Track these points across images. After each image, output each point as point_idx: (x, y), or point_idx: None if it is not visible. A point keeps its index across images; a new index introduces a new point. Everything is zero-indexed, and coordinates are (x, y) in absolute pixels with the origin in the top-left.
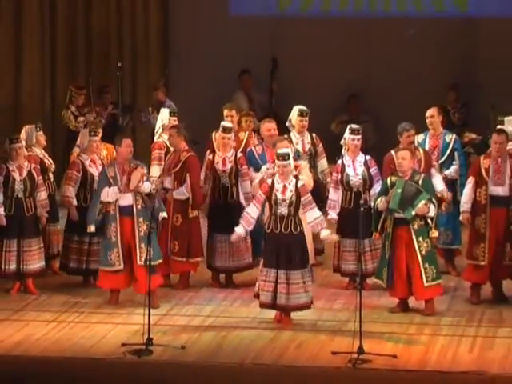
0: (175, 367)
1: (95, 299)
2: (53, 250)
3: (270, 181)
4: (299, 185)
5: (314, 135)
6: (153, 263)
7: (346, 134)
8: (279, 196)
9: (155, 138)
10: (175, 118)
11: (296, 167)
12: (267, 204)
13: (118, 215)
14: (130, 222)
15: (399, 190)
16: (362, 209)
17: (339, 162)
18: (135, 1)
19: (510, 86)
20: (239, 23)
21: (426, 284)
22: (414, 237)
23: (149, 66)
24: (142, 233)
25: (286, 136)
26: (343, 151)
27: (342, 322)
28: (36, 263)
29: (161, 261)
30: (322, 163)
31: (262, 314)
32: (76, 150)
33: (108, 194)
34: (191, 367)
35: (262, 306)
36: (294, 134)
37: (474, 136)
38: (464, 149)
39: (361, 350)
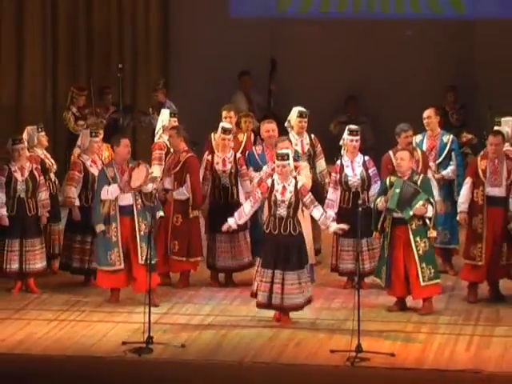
0: (175, 365)
1: (96, 298)
2: (54, 250)
3: (269, 181)
4: (299, 186)
5: (312, 136)
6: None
7: (345, 135)
8: (279, 197)
9: (155, 139)
10: (175, 119)
11: (296, 168)
12: (266, 204)
13: (118, 215)
14: (130, 222)
15: (397, 190)
16: (360, 209)
17: (338, 162)
18: (136, 2)
19: (507, 87)
20: (239, 24)
21: (422, 284)
22: (411, 236)
23: (149, 67)
24: (142, 232)
25: (286, 137)
26: (342, 152)
27: (340, 320)
28: (38, 263)
29: (156, 259)
30: (321, 164)
31: (261, 313)
32: (77, 151)
33: (108, 192)
34: (191, 365)
35: (259, 305)
36: (292, 135)
37: (470, 136)
38: (461, 149)
39: (359, 349)
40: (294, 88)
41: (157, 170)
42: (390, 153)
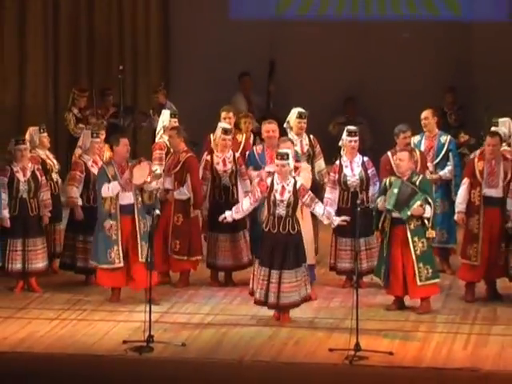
0: (176, 364)
1: (97, 297)
2: (55, 250)
3: (269, 180)
4: (298, 185)
5: (311, 136)
6: (146, 259)
7: (344, 136)
8: (278, 197)
9: (156, 139)
10: (176, 120)
11: (296, 168)
12: (266, 204)
13: (118, 213)
14: (131, 221)
15: (395, 191)
16: (358, 209)
17: (337, 162)
18: (136, 4)
19: (504, 89)
20: (238, 26)
21: (419, 283)
22: (409, 236)
23: (149, 68)
24: (142, 231)
25: (288, 137)
26: (342, 152)
27: (339, 319)
28: (40, 262)
29: (154, 258)
30: (320, 164)
31: (260, 312)
32: (78, 151)
33: (109, 189)
34: (191, 364)
35: (256, 303)
36: (292, 136)
37: (468, 137)
38: (459, 150)
39: (357, 347)
40: (293, 89)
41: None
42: (389, 153)
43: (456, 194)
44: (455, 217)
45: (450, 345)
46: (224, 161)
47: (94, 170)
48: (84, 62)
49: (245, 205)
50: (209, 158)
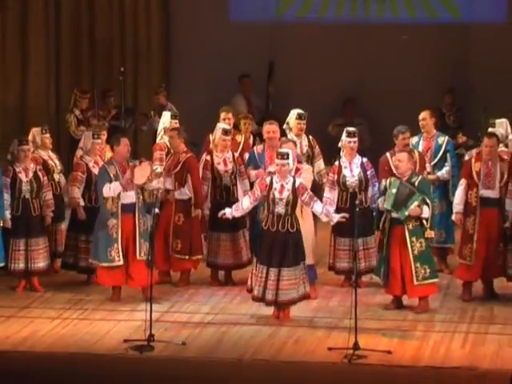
0: (176, 363)
1: (98, 297)
2: (56, 249)
3: (268, 179)
4: (296, 184)
5: (310, 137)
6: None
7: (343, 137)
8: (277, 195)
9: (157, 140)
10: (176, 121)
11: (298, 170)
12: (265, 202)
13: (119, 212)
14: (131, 219)
15: (393, 191)
16: (356, 209)
17: (336, 163)
18: (137, 6)
19: (501, 90)
20: (238, 28)
21: (415, 283)
22: (407, 236)
23: (150, 70)
24: (142, 229)
25: (291, 138)
26: (341, 153)
27: (337, 318)
28: (42, 262)
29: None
30: (319, 164)
31: (260, 311)
32: (79, 152)
33: (110, 189)
34: (192, 363)
35: (254, 299)
36: (291, 137)
37: (465, 139)
38: (457, 150)
39: (356, 346)
40: (293, 90)
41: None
42: (388, 154)
43: (454, 195)
44: (453, 217)
45: (448, 344)
46: (225, 161)
47: (96, 171)
48: (85, 64)
49: (245, 203)
50: (209, 158)
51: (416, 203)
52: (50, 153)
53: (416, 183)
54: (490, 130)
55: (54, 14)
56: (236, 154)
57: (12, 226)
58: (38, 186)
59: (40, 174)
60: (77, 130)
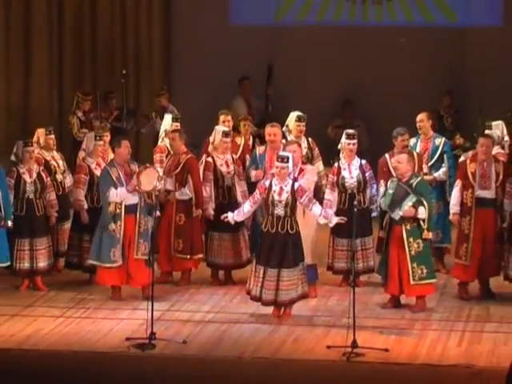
0: (177, 360)
1: (100, 296)
2: (59, 249)
3: (267, 182)
4: (295, 186)
5: (310, 139)
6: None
7: (343, 139)
8: (276, 197)
9: (159, 143)
10: (177, 124)
11: (302, 170)
12: (264, 204)
13: (123, 213)
14: (133, 220)
15: (390, 192)
16: (355, 210)
17: (336, 164)
18: (139, 10)
19: (496, 93)
20: (238, 32)
21: (412, 282)
22: (405, 237)
23: (152, 72)
24: (141, 229)
25: (296, 140)
26: (341, 155)
27: (336, 317)
28: (45, 261)
29: (156, 256)
30: (318, 166)
31: (260, 310)
32: (81, 154)
33: (117, 196)
34: (193, 360)
35: (252, 298)
36: (290, 139)
37: (462, 141)
38: (454, 151)
39: (354, 344)
40: (292, 93)
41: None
42: (387, 156)
43: (450, 195)
44: (450, 217)
45: (445, 342)
46: (226, 162)
47: (98, 173)
48: (88, 67)
49: (246, 208)
50: (210, 159)
51: (410, 204)
52: (55, 153)
53: (414, 184)
54: (487, 131)
55: (57, 15)
56: (235, 156)
57: (16, 226)
58: (42, 187)
59: (43, 174)
60: (79, 132)
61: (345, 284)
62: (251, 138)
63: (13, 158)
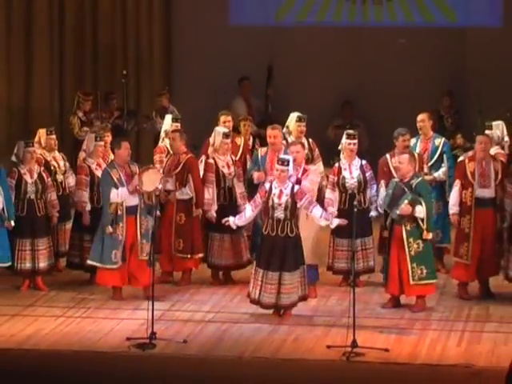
0: (177, 360)
1: (101, 296)
2: (59, 249)
3: (267, 185)
4: (295, 189)
5: (310, 140)
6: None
7: (343, 139)
8: (275, 200)
9: (159, 143)
10: (177, 125)
11: (305, 171)
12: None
13: (124, 215)
14: (134, 221)
15: (390, 191)
16: (355, 210)
17: (336, 164)
18: (139, 10)
19: (496, 93)
20: (238, 32)
21: (411, 282)
22: (405, 237)
23: (152, 73)
24: (143, 230)
25: (299, 140)
26: (341, 155)
27: (336, 317)
28: (46, 261)
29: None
30: (319, 167)
31: (260, 310)
32: (82, 154)
33: (118, 196)
34: (193, 360)
35: (251, 302)
36: (291, 140)
37: (463, 142)
38: (454, 151)
39: (354, 344)
40: (292, 93)
41: None
42: (387, 156)
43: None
44: (450, 217)
45: (445, 342)
46: (228, 164)
47: (98, 173)
48: (88, 66)
49: (248, 213)
50: (212, 161)
51: (405, 202)
52: (57, 154)
53: (414, 185)
54: (487, 131)
55: (58, 15)
56: (234, 158)
57: (18, 226)
58: (43, 187)
59: (44, 175)
60: (80, 132)
61: (345, 284)
62: (251, 138)
63: (13, 158)
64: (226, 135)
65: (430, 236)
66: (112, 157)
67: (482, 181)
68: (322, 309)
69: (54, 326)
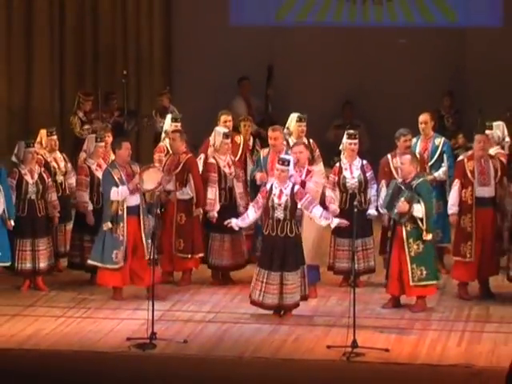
0: (178, 360)
1: (101, 295)
2: (59, 249)
3: (268, 186)
4: (295, 190)
5: (311, 141)
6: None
7: (344, 139)
8: (275, 200)
9: (160, 143)
10: (177, 124)
11: (309, 172)
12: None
13: (125, 215)
14: (136, 221)
15: (389, 192)
16: (355, 210)
17: (337, 164)
18: (140, 11)
19: (496, 93)
20: (238, 32)
21: (411, 283)
22: (405, 238)
23: (153, 73)
24: (146, 230)
25: (303, 140)
26: (342, 156)
27: (336, 317)
28: (46, 261)
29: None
30: (319, 167)
31: (260, 310)
32: (82, 155)
33: (118, 194)
34: (193, 360)
35: (252, 303)
36: (291, 141)
37: (463, 141)
38: (455, 151)
39: (354, 344)
40: (292, 93)
41: None
42: (389, 156)
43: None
44: (449, 217)
45: (445, 342)
46: (228, 164)
47: (99, 174)
48: (89, 66)
49: (251, 215)
50: (213, 161)
51: (402, 199)
52: (58, 154)
53: (415, 185)
54: (487, 132)
55: (59, 15)
56: (234, 158)
57: (18, 226)
58: (44, 188)
59: (44, 175)
60: (81, 130)
61: (345, 284)
62: (251, 138)
63: (14, 158)
64: (226, 135)
65: (429, 237)
66: (113, 157)
67: (482, 179)
68: (322, 309)
69: (55, 326)
